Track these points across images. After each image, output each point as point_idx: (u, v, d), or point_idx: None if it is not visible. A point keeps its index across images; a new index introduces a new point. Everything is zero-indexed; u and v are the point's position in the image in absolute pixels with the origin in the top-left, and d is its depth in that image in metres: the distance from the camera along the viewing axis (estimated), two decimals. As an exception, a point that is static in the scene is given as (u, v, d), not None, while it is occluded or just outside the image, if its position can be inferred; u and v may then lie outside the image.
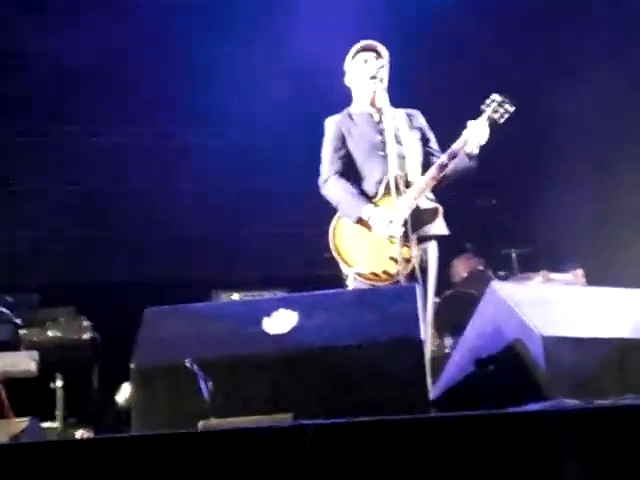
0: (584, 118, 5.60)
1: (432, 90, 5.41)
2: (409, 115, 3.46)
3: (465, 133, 3.23)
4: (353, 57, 3.42)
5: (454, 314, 4.76)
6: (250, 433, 1.59)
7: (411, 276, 3.09)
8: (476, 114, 3.27)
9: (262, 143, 5.76)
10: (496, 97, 3.26)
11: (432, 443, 1.61)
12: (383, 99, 3.28)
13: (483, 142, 3.23)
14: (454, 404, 2.32)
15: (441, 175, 3.22)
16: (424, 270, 3.18)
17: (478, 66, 5.79)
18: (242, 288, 5.42)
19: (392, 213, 3.13)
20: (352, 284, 3.18)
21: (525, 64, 5.86)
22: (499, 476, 1.61)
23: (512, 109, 3.24)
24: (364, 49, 3.39)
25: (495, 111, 3.24)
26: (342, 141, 3.39)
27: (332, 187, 3.31)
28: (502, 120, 3.25)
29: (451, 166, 3.24)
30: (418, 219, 3.15)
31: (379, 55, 3.37)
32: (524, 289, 2.93)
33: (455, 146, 3.23)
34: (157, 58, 5.61)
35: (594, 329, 2.33)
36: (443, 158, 3.23)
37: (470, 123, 3.24)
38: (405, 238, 3.09)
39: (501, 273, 5.57)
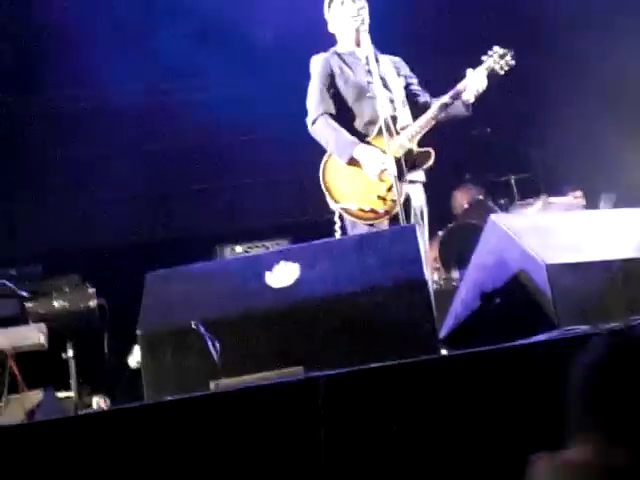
0: (580, 38, 5.48)
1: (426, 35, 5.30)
2: (393, 62, 3.46)
3: (465, 80, 3.23)
4: (330, 3, 3.40)
5: (458, 246, 4.77)
6: (262, 390, 1.60)
7: (398, 217, 3.10)
8: (476, 63, 3.26)
9: (261, 93, 5.66)
10: (497, 49, 3.26)
11: (443, 383, 1.62)
12: (366, 40, 3.26)
13: (481, 90, 3.24)
14: (464, 340, 2.33)
15: (441, 115, 3.23)
16: (419, 213, 3.22)
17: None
18: (245, 240, 5.41)
19: (384, 155, 3.14)
20: (339, 220, 3.21)
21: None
22: (513, 408, 1.62)
23: (513, 62, 3.26)
24: None
25: (495, 62, 3.25)
26: (331, 79, 3.37)
27: (322, 126, 3.29)
28: (502, 72, 3.26)
29: (448, 110, 3.25)
30: (411, 161, 3.17)
31: None
32: (523, 219, 2.92)
33: (458, 87, 3.24)
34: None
35: (596, 252, 2.32)
36: (445, 98, 3.24)
37: (469, 71, 3.24)
38: (396, 178, 3.09)
39: (501, 201, 5.54)
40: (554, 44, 5.74)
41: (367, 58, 3.30)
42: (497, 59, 3.24)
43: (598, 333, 1.80)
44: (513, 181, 5.62)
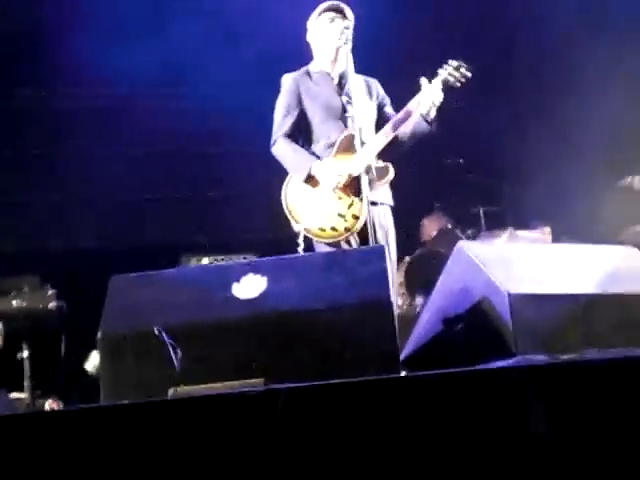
0: (551, 68, 5.62)
1: (391, 54, 5.40)
2: (367, 82, 3.47)
3: (418, 95, 3.25)
4: (319, 15, 3.40)
5: (424, 273, 4.82)
6: (221, 399, 1.59)
7: (364, 236, 3.11)
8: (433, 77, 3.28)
9: (229, 104, 5.67)
10: (452, 62, 3.27)
11: (402, 402, 1.63)
12: (347, 61, 3.26)
13: (437, 103, 3.24)
14: (424, 363, 2.35)
15: (394, 133, 3.24)
16: (384, 233, 3.23)
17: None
18: (212, 252, 5.39)
19: (340, 165, 3.16)
20: (303, 241, 3.20)
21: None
22: (468, 432, 1.64)
23: (469, 74, 3.26)
24: (331, 9, 3.38)
25: (450, 74, 3.24)
26: (297, 100, 3.37)
27: (281, 147, 3.33)
28: (458, 84, 3.26)
29: (407, 128, 3.26)
30: (371, 177, 3.18)
31: (345, 16, 3.36)
32: (490, 248, 2.96)
33: (409, 105, 3.24)
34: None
35: (559, 285, 2.37)
36: (398, 116, 3.25)
37: (425, 83, 3.25)
38: (355, 195, 3.12)
39: (469, 231, 5.62)
40: (529, 84, 5.88)
41: (340, 77, 3.33)
42: (452, 71, 3.24)
43: (554, 363, 1.85)
44: (482, 212, 5.70)
